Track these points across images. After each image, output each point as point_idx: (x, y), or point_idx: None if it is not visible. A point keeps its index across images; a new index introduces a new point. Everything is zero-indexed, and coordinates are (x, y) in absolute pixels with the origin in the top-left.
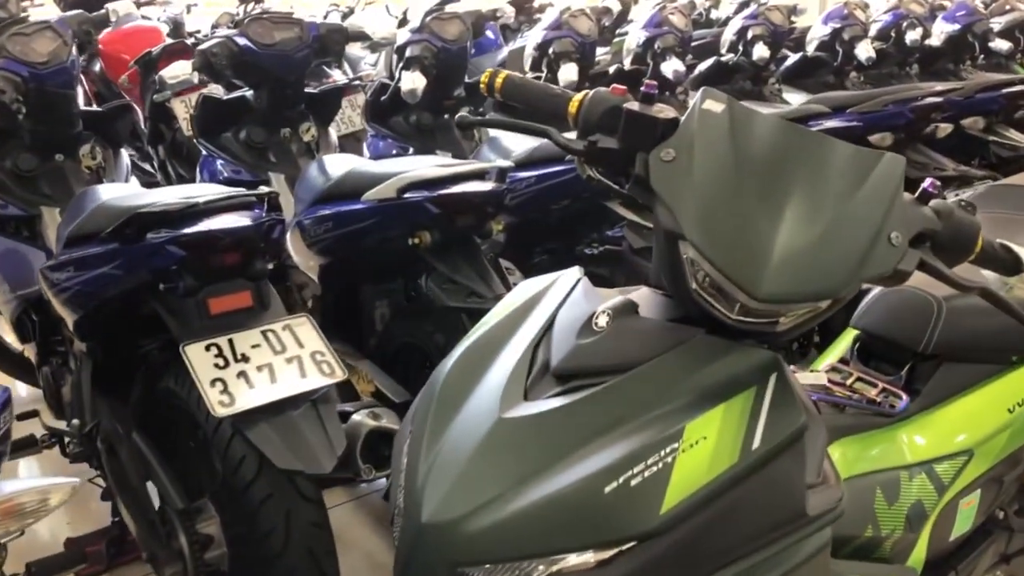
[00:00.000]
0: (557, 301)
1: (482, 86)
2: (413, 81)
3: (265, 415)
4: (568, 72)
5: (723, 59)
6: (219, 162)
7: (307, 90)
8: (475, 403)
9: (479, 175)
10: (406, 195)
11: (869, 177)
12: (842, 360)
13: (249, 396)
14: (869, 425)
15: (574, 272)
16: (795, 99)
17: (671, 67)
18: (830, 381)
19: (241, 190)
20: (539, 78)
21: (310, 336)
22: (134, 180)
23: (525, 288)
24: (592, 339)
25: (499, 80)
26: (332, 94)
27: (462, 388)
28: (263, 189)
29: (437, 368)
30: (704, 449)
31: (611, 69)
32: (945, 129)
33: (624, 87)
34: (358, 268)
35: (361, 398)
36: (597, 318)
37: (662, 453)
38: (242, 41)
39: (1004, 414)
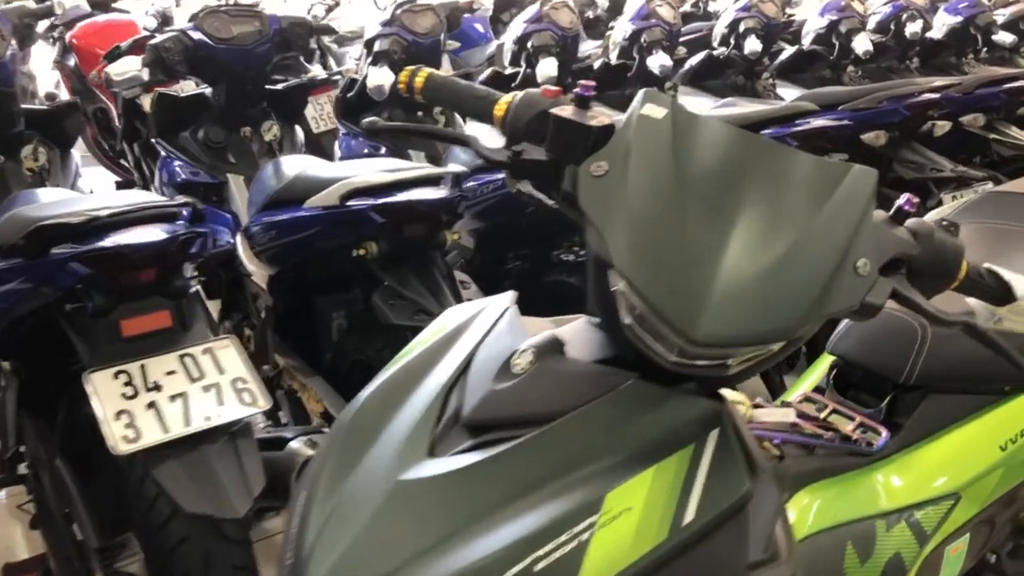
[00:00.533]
0: (480, 334)
1: (401, 86)
2: (380, 77)
3: (175, 451)
4: (547, 67)
5: (715, 53)
6: (177, 163)
7: (270, 87)
8: (375, 457)
9: (432, 180)
10: (350, 203)
11: (834, 194)
12: (818, 388)
13: (156, 431)
14: (842, 467)
15: (505, 299)
16: (789, 94)
17: (657, 61)
18: (800, 416)
19: (160, 199)
20: (517, 74)
21: (233, 361)
22: (87, 182)
23: (452, 316)
24: (509, 384)
25: (419, 80)
26: (297, 91)
27: (365, 436)
28: (180, 199)
29: (346, 408)
30: (627, 523)
31: (596, 64)
32: (943, 127)
33: (558, 88)
34: (308, 278)
35: (312, 419)
36: (517, 358)
37: (577, 528)
38: (196, 35)
39: (995, 452)
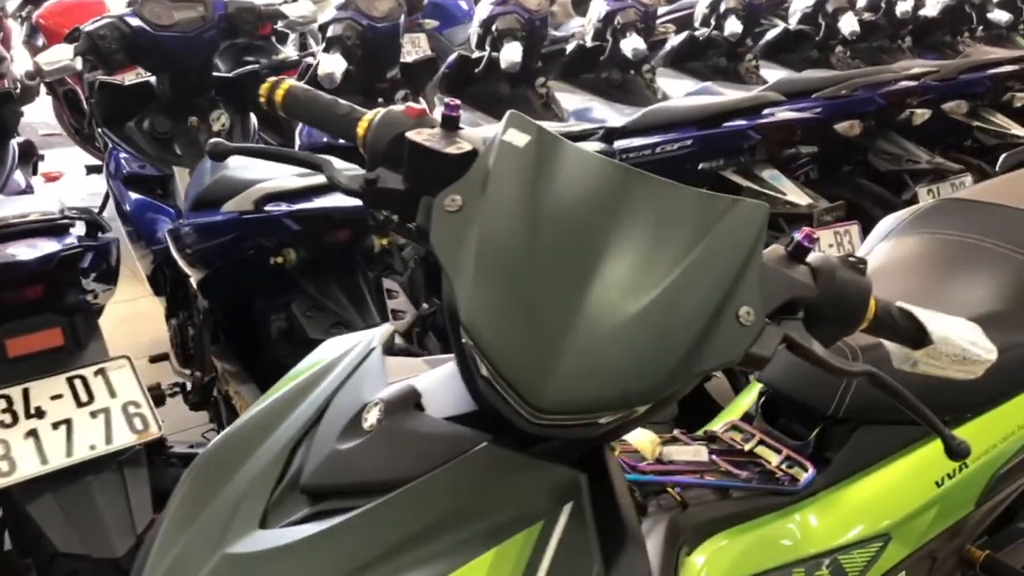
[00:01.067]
0: (341, 379)
1: (261, 99)
2: (332, 64)
3: (53, 484)
4: (511, 52)
5: (696, 34)
6: (123, 155)
7: (219, 74)
8: (207, 520)
9: None
10: (267, 207)
11: (713, 231)
12: (748, 415)
13: (33, 463)
14: (760, 510)
15: (378, 334)
16: (774, 76)
17: (631, 44)
18: (719, 452)
19: (53, 209)
20: (482, 59)
21: (126, 383)
22: (56, 164)
23: (326, 349)
24: (353, 444)
25: (279, 93)
26: (248, 78)
27: (209, 489)
28: (74, 210)
29: (207, 446)
30: None
31: (570, 47)
32: (922, 115)
33: (421, 109)
34: (234, 284)
35: None
36: (367, 412)
37: None
38: (135, 22)
39: (931, 488)
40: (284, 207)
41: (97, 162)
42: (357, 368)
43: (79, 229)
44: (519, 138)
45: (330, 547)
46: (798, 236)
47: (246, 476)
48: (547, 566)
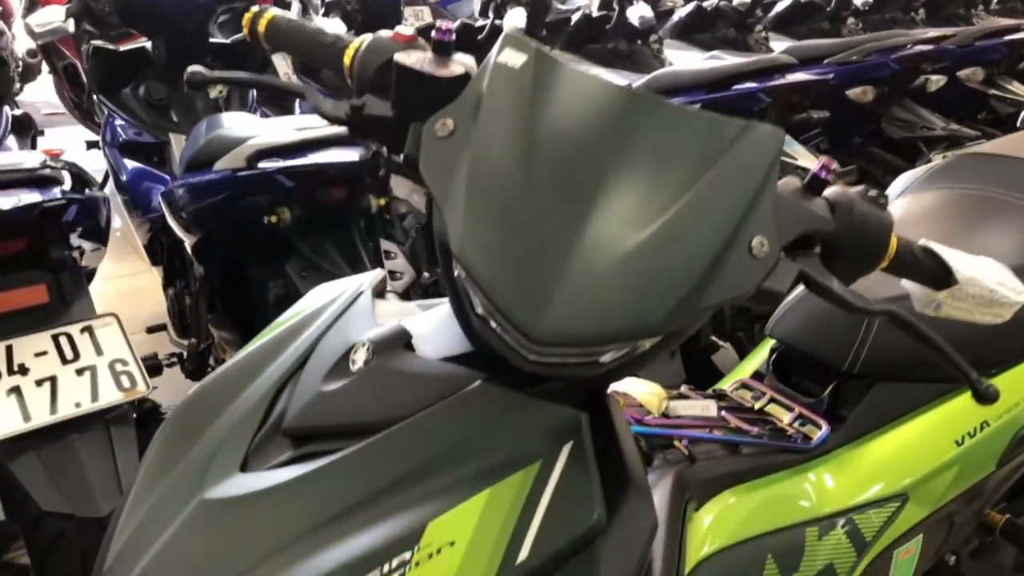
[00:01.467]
0: (328, 322)
1: (244, 30)
2: (329, 28)
3: (37, 442)
4: (514, 18)
5: (704, 4)
6: (119, 122)
7: (215, 40)
8: (183, 469)
9: (348, 140)
10: (260, 165)
11: (724, 158)
12: (759, 374)
13: (16, 419)
14: (770, 467)
15: (370, 277)
16: (784, 48)
17: (637, 12)
18: (729, 408)
19: (32, 160)
20: (484, 27)
21: (114, 341)
22: (52, 142)
23: (315, 296)
24: (339, 385)
25: (262, 23)
26: (246, 45)
27: (189, 434)
28: (59, 161)
29: (188, 394)
30: (447, 562)
31: (575, 16)
32: (937, 82)
33: (411, 35)
34: (230, 246)
35: None
36: (354, 353)
37: (387, 568)
38: None
39: (950, 447)
40: (278, 163)
41: (97, 138)
42: (345, 311)
43: (67, 186)
44: (515, 59)
45: (315, 489)
46: (815, 168)
47: (226, 422)
48: (545, 507)
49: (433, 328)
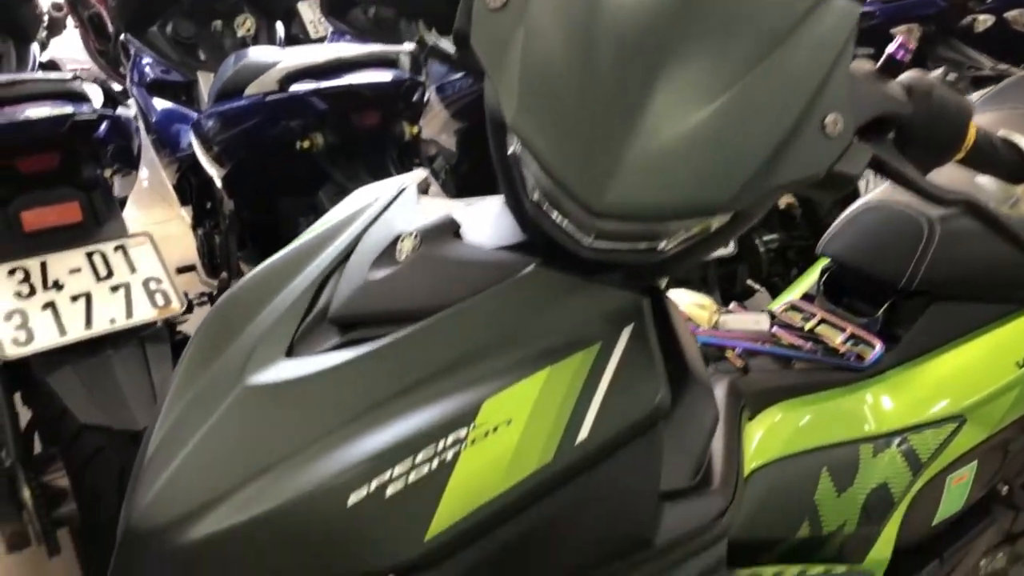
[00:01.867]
0: (372, 217)
1: None
2: None
3: (72, 356)
4: None
5: None
6: (146, 60)
7: None
8: (230, 355)
9: (384, 62)
10: (292, 88)
11: (797, 32)
12: (808, 296)
13: (52, 334)
14: (823, 384)
15: (413, 176)
16: None
17: None
18: (780, 325)
19: (62, 74)
20: None
21: (147, 259)
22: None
23: (358, 197)
24: (386, 273)
25: None
26: None
27: (230, 328)
28: (68, 75)
29: (226, 292)
30: (504, 440)
31: None
32: (984, 22)
33: None
34: (260, 176)
35: None
36: (401, 243)
37: (441, 446)
38: None
39: (1012, 369)
40: (310, 85)
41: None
42: (390, 205)
43: (98, 104)
44: None
45: (365, 372)
46: (891, 49)
47: (270, 315)
48: (606, 387)
49: (482, 219)
